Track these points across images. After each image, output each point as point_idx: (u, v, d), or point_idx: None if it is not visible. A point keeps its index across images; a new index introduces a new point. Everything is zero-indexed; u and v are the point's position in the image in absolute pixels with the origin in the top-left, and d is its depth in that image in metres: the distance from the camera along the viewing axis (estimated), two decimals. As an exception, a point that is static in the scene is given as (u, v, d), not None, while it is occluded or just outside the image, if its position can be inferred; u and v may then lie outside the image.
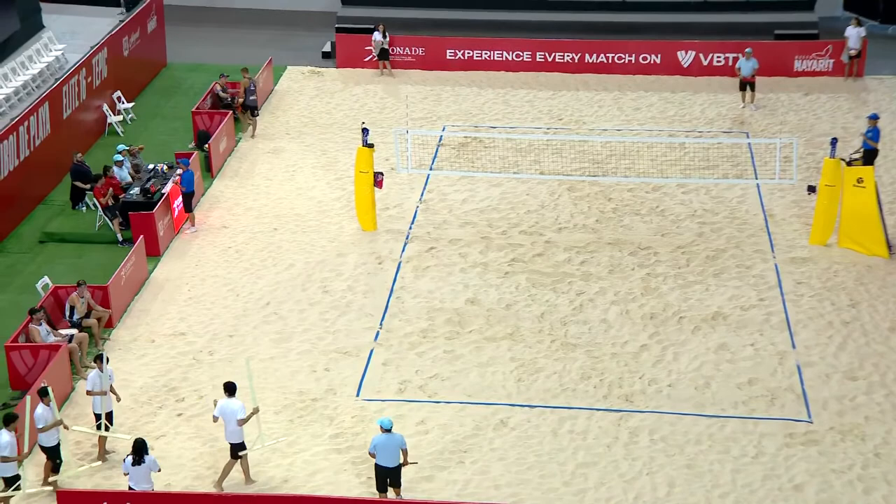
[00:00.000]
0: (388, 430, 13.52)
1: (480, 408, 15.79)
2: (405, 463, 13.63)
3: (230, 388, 14.32)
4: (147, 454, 13.36)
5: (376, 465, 13.58)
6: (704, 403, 15.80)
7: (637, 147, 23.21)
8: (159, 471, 13.48)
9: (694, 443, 15.07)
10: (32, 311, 16.46)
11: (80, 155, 21.64)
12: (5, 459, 13.62)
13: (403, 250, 19.98)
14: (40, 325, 16.37)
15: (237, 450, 14.30)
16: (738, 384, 16.23)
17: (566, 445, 14.94)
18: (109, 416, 14.81)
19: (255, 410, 14.25)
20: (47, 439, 14.14)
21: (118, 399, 15.02)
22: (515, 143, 23.44)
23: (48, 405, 14.10)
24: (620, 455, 14.88)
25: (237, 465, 14.40)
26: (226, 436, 14.27)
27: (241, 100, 24.33)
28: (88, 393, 14.72)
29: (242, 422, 14.15)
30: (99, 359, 14.72)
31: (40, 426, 13.95)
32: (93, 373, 14.78)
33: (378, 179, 20.21)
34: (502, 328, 17.68)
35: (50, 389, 14.16)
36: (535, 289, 18.74)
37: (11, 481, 13.78)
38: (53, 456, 14.18)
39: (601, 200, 21.72)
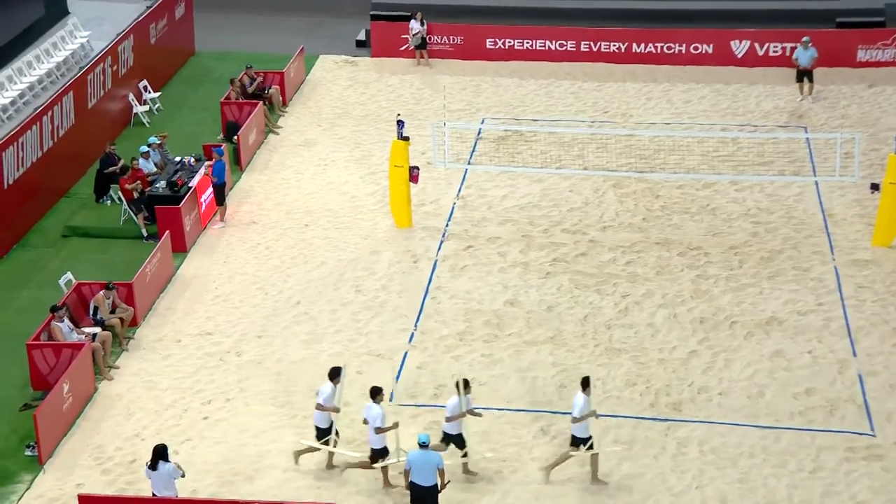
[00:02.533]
0: (425, 446, 13.37)
1: (520, 415, 15.70)
2: (442, 485, 13.42)
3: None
4: (166, 460, 13.38)
5: (410, 482, 13.48)
6: (758, 413, 15.60)
7: (687, 142, 22.98)
8: (182, 476, 13.48)
9: (747, 455, 14.86)
10: (54, 309, 16.58)
11: (113, 146, 21.73)
12: (379, 430, 13.79)
13: (440, 248, 19.96)
14: (62, 322, 16.48)
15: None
16: (795, 394, 16.00)
17: (610, 456, 14.78)
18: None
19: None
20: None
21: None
22: (558, 137, 23.34)
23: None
24: (668, 467, 14.72)
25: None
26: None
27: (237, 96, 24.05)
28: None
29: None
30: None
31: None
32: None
33: (414, 174, 20.19)
34: (543, 331, 17.58)
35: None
36: (578, 290, 18.63)
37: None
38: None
39: (648, 198, 21.54)
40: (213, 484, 14.59)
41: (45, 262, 19.92)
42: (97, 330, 17.00)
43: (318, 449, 14.55)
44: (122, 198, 20.79)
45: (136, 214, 20.58)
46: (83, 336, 16.69)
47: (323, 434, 14.49)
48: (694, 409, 15.72)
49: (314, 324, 17.97)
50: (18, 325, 17.69)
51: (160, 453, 13.42)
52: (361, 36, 28.92)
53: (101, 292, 17.31)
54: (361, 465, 14.37)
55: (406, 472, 13.52)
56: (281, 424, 15.60)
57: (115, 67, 24.06)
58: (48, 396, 15.20)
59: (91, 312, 17.37)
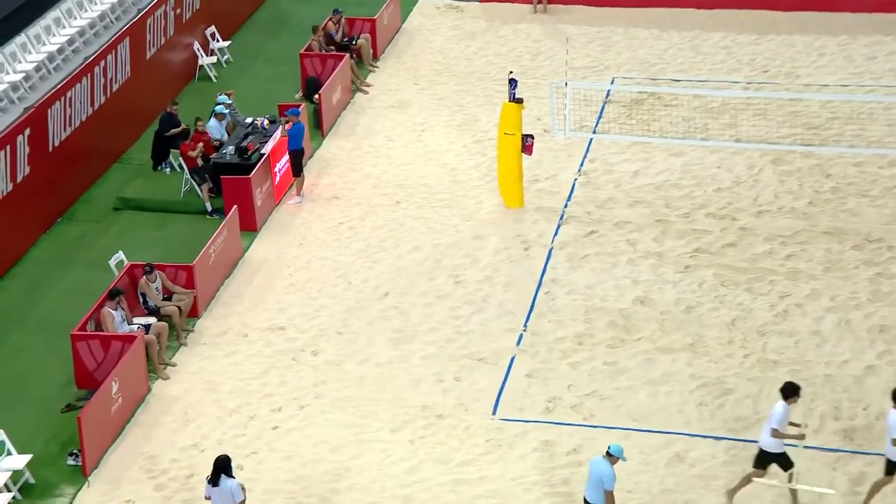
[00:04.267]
0: (610, 456, 13.18)
1: (650, 437, 15.59)
2: None
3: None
4: (230, 475, 13.56)
5: (585, 498, 13.42)
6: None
7: (869, 108, 22.41)
8: (243, 502, 13.54)
9: (935, 498, 14.47)
10: (114, 294, 16.94)
11: (175, 105, 22.17)
12: (777, 434, 13.84)
13: (556, 233, 19.90)
14: (116, 310, 16.88)
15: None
16: None
17: (761, 491, 14.56)
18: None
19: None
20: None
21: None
22: (705, 102, 23.01)
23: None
24: (835, 509, 14.43)
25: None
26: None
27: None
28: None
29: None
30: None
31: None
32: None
33: (527, 144, 20.17)
34: (680, 336, 17.40)
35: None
36: (724, 288, 18.37)
37: (785, 463, 13.94)
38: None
39: (817, 177, 21.10)
40: (282, 506, 14.84)
41: (92, 238, 20.42)
42: (152, 320, 17.38)
43: (779, 486, 14.22)
44: (184, 165, 21.19)
45: (199, 185, 20.95)
46: (136, 327, 17.09)
47: (778, 463, 14.11)
48: (870, 438, 15.35)
49: (404, 320, 18.07)
50: (62, 311, 18.21)
51: (223, 466, 13.58)
52: (468, -24, 28.95)
53: (143, 277, 17.66)
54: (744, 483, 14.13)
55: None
56: (364, 438, 15.74)
57: (178, 11, 24.50)
58: (94, 396, 15.58)
59: (140, 301, 17.77)
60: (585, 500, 13.40)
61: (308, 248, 19.95)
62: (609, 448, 13.29)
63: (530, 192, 20.90)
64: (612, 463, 13.28)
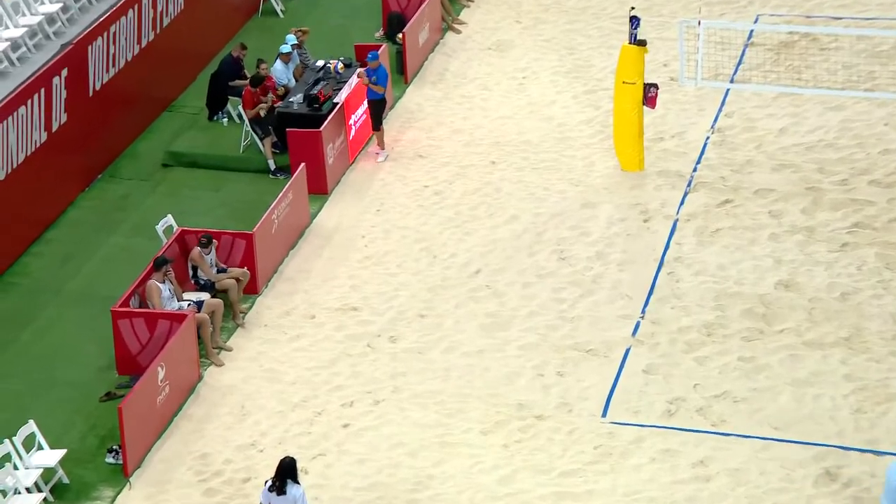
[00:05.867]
0: None
1: (794, 448, 15.42)
2: None
3: None
4: (295, 481, 13.61)
5: None
6: None
7: None
8: None
9: None
10: (161, 263, 17.12)
11: (244, 50, 22.15)
12: None
13: (682, 203, 19.73)
14: (164, 283, 17.10)
15: None
16: None
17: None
18: None
19: None
20: None
21: None
22: (872, 44, 22.63)
23: None
24: None
25: None
26: None
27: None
28: None
29: None
30: None
31: None
32: None
33: (650, 95, 20.01)
34: (833, 329, 17.20)
35: None
36: (889, 271, 18.13)
37: None
38: None
39: None
40: (353, 517, 14.95)
41: (138, 198, 20.64)
42: (205, 296, 17.54)
43: None
44: (244, 116, 21.32)
45: (261, 139, 21.08)
46: (186, 304, 17.27)
47: None
48: None
49: (499, 302, 18.05)
50: (101, 283, 18.51)
51: (288, 470, 13.62)
52: None
53: (196, 248, 17.83)
54: None
55: None
56: (450, 441, 15.77)
57: (239, -66, 24.74)
58: (138, 384, 15.78)
59: (191, 274, 17.95)
60: None
61: (387, 216, 20.00)
62: None
63: (652, 153, 20.73)
64: None
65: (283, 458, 13.71)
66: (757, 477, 15.04)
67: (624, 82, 20.04)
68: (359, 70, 21.25)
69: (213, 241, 17.86)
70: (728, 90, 22.08)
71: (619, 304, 17.82)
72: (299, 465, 14.05)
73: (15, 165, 18.89)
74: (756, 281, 18.10)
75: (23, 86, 19.19)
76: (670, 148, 20.96)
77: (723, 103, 21.98)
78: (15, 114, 18.77)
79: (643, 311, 17.67)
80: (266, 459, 15.30)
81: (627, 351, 17.03)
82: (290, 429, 16.03)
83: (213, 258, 17.95)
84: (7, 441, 14.93)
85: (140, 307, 16.99)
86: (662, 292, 17.97)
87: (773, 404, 16.06)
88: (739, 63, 22.82)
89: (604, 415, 15.98)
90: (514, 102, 22.50)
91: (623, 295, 17.99)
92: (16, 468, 14.80)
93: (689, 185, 20.13)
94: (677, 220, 19.40)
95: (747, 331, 17.24)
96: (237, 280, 17.90)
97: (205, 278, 17.81)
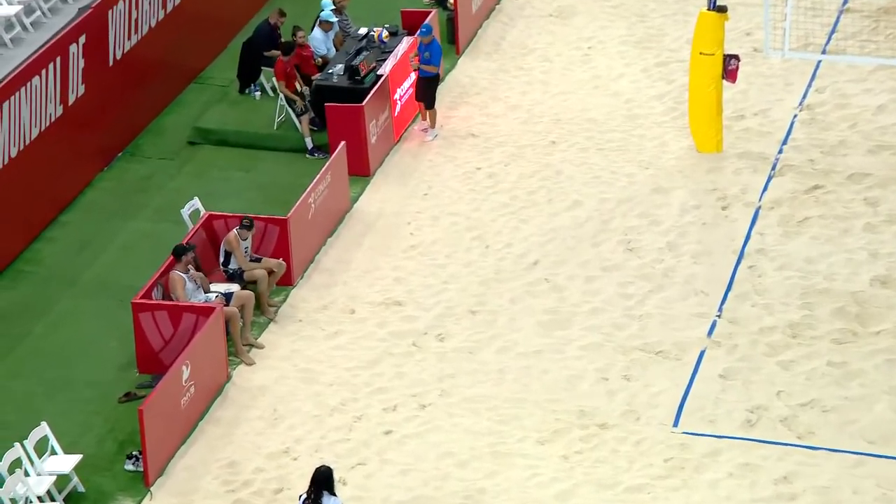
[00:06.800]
0: None
1: (891, 465, 15.31)
2: None
3: None
4: (332, 493, 13.61)
5: None
6: None
7: None
8: None
9: None
10: (181, 252, 17.15)
11: (283, 17, 22.18)
12: None
13: (766, 188, 19.66)
14: (187, 273, 17.14)
15: None
16: None
17: None
18: None
19: None
20: None
21: None
22: None
23: None
24: None
25: None
26: None
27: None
28: None
29: None
30: None
31: None
32: None
33: (730, 67, 19.95)
34: (936, 332, 17.10)
35: None
36: None
37: None
38: None
39: None
40: (397, 534, 14.96)
41: (162, 179, 20.71)
42: (234, 288, 17.53)
43: None
44: (279, 89, 21.32)
45: (297, 115, 21.08)
46: (213, 296, 17.28)
47: None
48: None
49: (559, 297, 18.02)
50: (121, 272, 18.58)
51: (324, 481, 13.61)
52: None
53: (235, 230, 17.85)
54: None
55: None
56: (504, 450, 15.73)
57: None
58: (160, 384, 15.81)
59: (222, 260, 17.97)
60: None
61: (436, 200, 20.01)
62: None
63: (732, 133, 20.65)
64: None
65: (318, 467, 13.73)
66: (849, 496, 14.91)
67: (701, 53, 19.96)
68: (411, 56, 21.16)
69: (253, 229, 17.81)
70: (819, 62, 21.96)
71: (693, 300, 17.76)
72: (337, 476, 14.08)
73: (27, 142, 18.96)
74: (849, 277, 18.00)
75: (36, 54, 19.26)
76: (753, 127, 20.90)
77: (813, 77, 21.92)
78: (28, 85, 18.82)
79: (720, 310, 17.61)
80: (300, 468, 15.31)
81: (702, 353, 16.98)
82: (327, 435, 16.04)
83: (249, 245, 17.95)
84: (17, 445, 14.99)
85: (163, 299, 17.02)
86: (742, 288, 17.90)
87: (867, 415, 15.94)
88: (833, 32, 22.74)
89: (675, 424, 15.94)
90: (577, 76, 22.46)
91: (697, 291, 17.93)
92: (27, 475, 14.85)
93: (773, 168, 20.07)
94: (759, 207, 19.35)
95: (838, 332, 17.14)
96: (270, 272, 17.89)
97: (235, 266, 17.82)
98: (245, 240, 17.85)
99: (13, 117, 18.59)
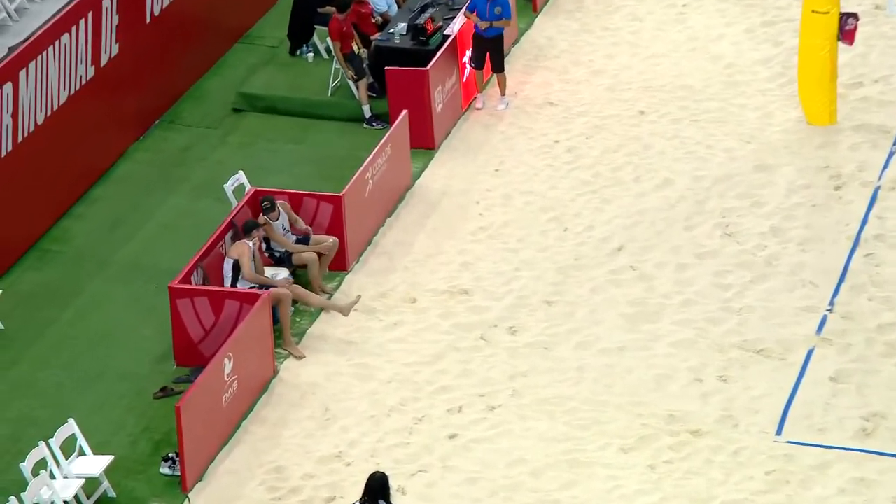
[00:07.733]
0: None
1: None
2: None
3: None
4: (388, 502, 13.64)
5: None
6: None
7: None
8: None
9: None
10: (251, 227, 17.03)
11: None
12: None
13: (886, 166, 19.64)
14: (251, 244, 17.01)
15: None
16: None
17: None
18: None
19: None
20: None
21: None
22: None
23: None
24: None
25: None
26: None
27: None
28: None
29: None
30: None
31: None
32: None
33: (848, 28, 19.81)
34: None
35: None
36: None
37: None
38: None
39: None
40: (462, 550, 14.94)
41: (203, 150, 20.75)
42: (283, 273, 17.56)
43: None
44: (333, 51, 21.27)
45: (354, 80, 21.00)
46: (281, 275, 17.37)
47: None
48: None
49: (646, 287, 17.96)
50: (158, 253, 18.63)
51: (379, 489, 13.65)
52: None
53: (262, 217, 17.69)
54: None
55: None
56: (582, 459, 15.67)
57: None
58: (199, 378, 15.80)
59: (263, 247, 17.90)
60: None
61: (508, 177, 19.95)
62: None
63: (848, 102, 20.58)
64: None
65: (373, 473, 13.78)
66: None
67: (813, 11, 19.82)
68: (466, 13, 20.91)
69: (277, 202, 17.71)
70: (952, 22, 21.88)
71: (801, 293, 17.66)
72: (394, 484, 14.09)
73: (55, 107, 19.01)
74: (983, 269, 17.87)
75: (66, 9, 19.28)
76: (872, 96, 20.84)
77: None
78: (56, 43, 18.85)
79: (831, 303, 17.49)
80: (354, 475, 15.29)
81: (810, 353, 16.86)
82: (385, 438, 16.03)
83: (286, 221, 17.85)
84: (42, 444, 15.02)
85: (203, 283, 17.03)
86: (857, 279, 17.79)
87: None
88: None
89: (778, 432, 15.80)
90: (670, 37, 22.44)
91: (806, 282, 17.84)
92: (52, 477, 14.88)
93: (895, 143, 19.97)
94: (879, 187, 19.28)
95: (970, 332, 16.99)
96: (321, 254, 17.84)
97: (280, 249, 17.77)
98: (276, 220, 17.68)
99: (40, 80, 18.61)
